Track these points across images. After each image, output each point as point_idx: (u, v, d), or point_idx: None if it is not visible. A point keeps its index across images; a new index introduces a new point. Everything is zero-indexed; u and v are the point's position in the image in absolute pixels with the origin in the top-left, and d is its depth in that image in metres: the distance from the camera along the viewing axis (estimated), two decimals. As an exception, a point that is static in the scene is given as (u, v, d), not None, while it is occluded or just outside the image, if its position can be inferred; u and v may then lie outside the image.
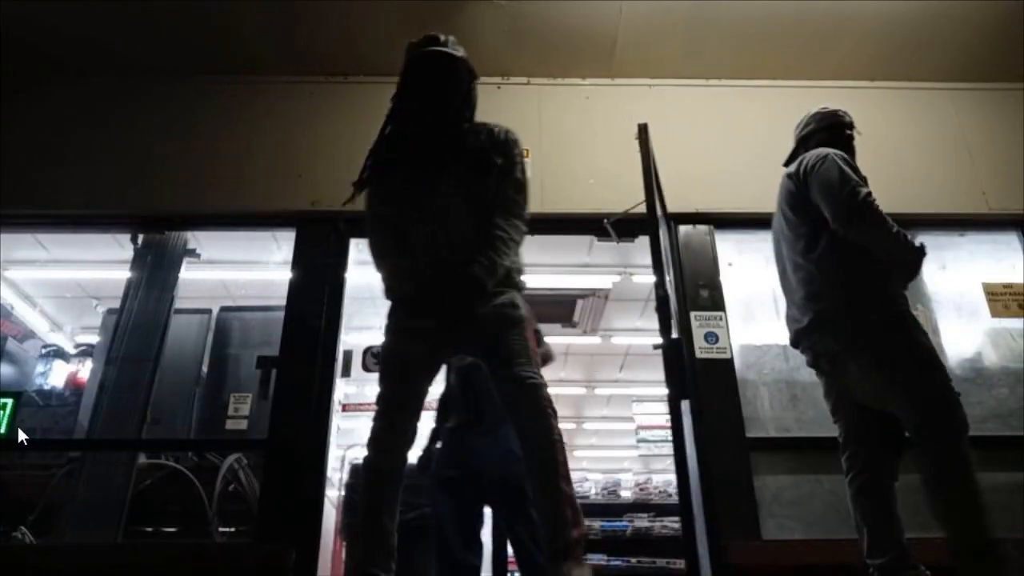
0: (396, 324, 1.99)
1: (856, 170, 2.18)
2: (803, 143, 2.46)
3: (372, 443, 1.89)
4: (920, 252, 2.12)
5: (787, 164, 2.43)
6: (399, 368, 1.94)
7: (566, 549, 1.69)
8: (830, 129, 2.41)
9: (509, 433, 2.32)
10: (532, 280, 2.51)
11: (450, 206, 1.96)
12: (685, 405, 2.35)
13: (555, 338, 5.00)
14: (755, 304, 3.33)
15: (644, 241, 3.34)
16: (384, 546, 1.81)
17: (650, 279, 3.33)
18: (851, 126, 2.43)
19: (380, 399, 1.92)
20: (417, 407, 1.94)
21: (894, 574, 1.99)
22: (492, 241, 1.90)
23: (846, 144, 2.36)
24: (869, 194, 2.09)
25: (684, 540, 2.19)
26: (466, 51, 2.13)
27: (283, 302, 3.16)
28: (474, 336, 1.94)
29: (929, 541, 2.00)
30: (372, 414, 1.91)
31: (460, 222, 1.95)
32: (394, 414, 1.90)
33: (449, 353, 2.21)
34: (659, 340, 2.25)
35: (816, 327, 2.10)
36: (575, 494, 1.83)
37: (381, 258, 2.01)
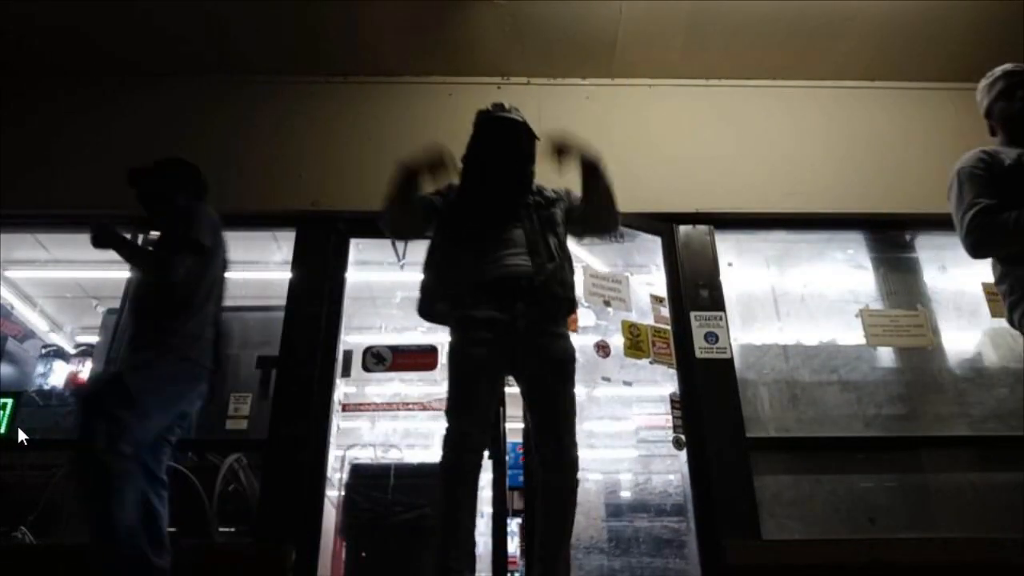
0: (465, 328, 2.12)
1: (980, 178, 2.02)
2: (988, 117, 2.25)
3: (444, 442, 1.98)
4: None
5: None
6: (467, 369, 2.05)
7: None
8: (1001, 96, 2.15)
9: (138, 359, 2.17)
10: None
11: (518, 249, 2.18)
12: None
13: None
14: (755, 304, 3.33)
15: (644, 240, 3.37)
16: (464, 545, 1.89)
17: (649, 278, 3.35)
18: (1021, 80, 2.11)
19: (449, 400, 2.03)
20: (488, 406, 2.06)
21: None
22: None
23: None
24: (972, 218, 1.98)
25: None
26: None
27: (283, 302, 3.16)
28: (531, 370, 2.09)
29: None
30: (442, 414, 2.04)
31: (525, 257, 2.16)
32: (463, 414, 2.00)
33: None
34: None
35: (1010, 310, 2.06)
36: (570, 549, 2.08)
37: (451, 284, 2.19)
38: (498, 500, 2.76)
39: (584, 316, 3.03)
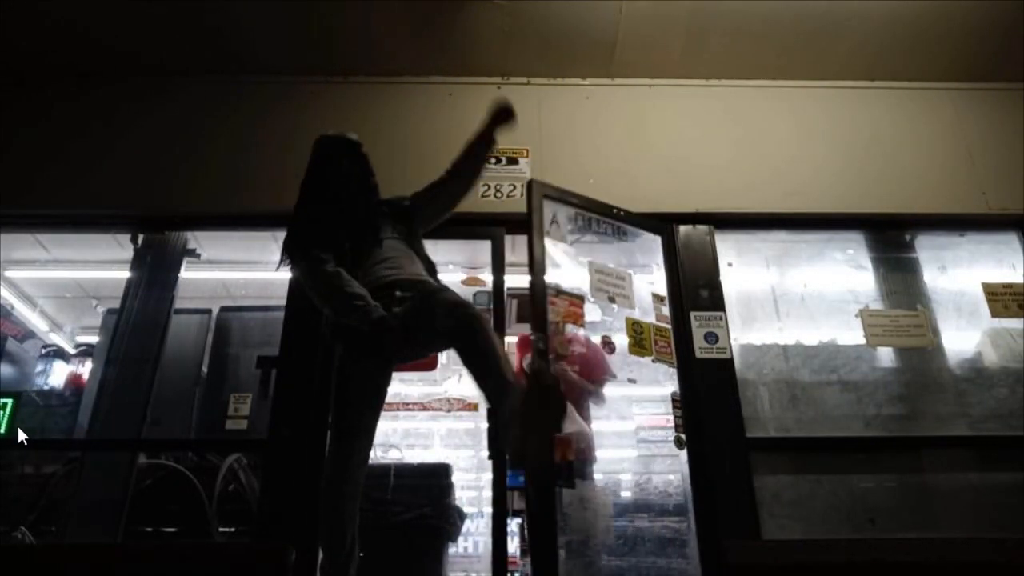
0: None
1: None
2: None
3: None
4: None
5: None
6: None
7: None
8: None
9: None
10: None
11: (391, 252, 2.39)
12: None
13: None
14: (755, 304, 3.33)
15: (645, 240, 3.37)
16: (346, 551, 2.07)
17: (650, 277, 3.35)
18: None
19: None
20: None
21: None
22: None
23: None
24: None
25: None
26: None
27: (283, 302, 3.16)
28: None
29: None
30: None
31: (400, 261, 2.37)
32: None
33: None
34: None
35: None
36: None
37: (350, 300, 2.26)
38: (498, 500, 2.76)
39: (590, 311, 3.01)
